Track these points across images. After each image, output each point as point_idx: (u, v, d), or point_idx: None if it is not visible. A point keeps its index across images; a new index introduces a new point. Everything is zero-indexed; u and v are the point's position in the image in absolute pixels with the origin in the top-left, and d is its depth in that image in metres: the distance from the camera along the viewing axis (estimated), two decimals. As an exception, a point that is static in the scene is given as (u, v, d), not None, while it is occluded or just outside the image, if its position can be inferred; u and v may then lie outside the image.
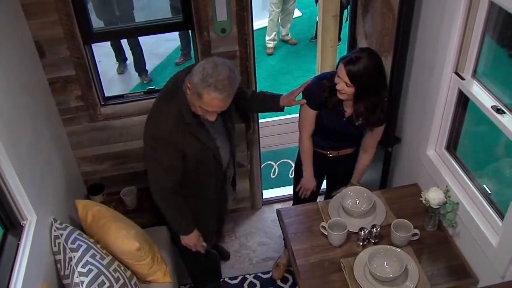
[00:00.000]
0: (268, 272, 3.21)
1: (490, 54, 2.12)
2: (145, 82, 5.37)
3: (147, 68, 5.51)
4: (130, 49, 5.27)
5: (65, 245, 2.20)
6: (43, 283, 2.07)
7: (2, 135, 1.94)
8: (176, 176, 2.25)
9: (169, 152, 2.17)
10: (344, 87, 2.25)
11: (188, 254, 2.65)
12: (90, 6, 4.61)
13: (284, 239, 2.64)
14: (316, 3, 5.72)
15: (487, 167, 2.32)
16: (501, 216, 2.01)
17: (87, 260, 2.16)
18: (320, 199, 2.97)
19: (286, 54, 6.14)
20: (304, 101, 2.46)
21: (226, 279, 3.17)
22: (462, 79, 2.16)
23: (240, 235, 3.48)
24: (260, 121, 3.25)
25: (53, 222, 2.27)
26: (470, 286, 2.18)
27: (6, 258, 1.95)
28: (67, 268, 2.16)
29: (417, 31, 2.40)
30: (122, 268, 2.35)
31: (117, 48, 5.50)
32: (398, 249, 2.19)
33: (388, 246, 2.21)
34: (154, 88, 3.02)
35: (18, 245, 2.02)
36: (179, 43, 5.80)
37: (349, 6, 3.64)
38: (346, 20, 4.39)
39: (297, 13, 6.67)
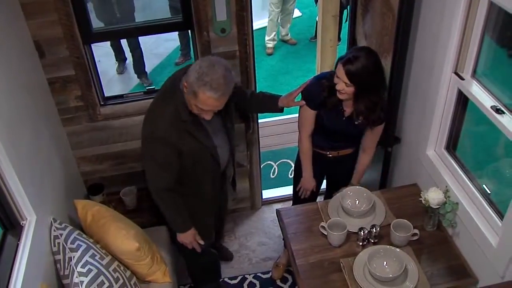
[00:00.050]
0: (267, 272, 3.21)
1: (490, 54, 2.12)
2: (145, 85, 5.35)
3: (146, 70, 5.49)
4: (130, 51, 5.25)
5: (65, 245, 2.20)
6: (42, 283, 2.07)
7: (1, 135, 1.94)
8: (172, 174, 2.25)
9: (165, 150, 2.17)
10: (343, 87, 2.25)
11: (188, 253, 2.65)
12: (90, 6, 4.61)
13: (283, 239, 2.65)
14: (315, 3, 5.73)
15: (486, 167, 2.32)
16: (501, 216, 2.01)
17: (86, 260, 2.16)
18: (320, 199, 2.97)
19: (286, 54, 6.14)
20: (303, 102, 2.46)
21: (226, 279, 3.17)
22: (462, 79, 2.16)
23: (240, 235, 3.48)
24: (259, 121, 3.25)
25: (52, 222, 2.27)
26: (470, 286, 2.18)
27: (6, 258, 1.96)
28: (67, 268, 2.16)
29: (416, 31, 2.40)
30: (121, 268, 2.35)
31: (117, 48, 5.49)
32: (398, 249, 2.19)
33: (388, 246, 2.21)
34: (154, 88, 3.02)
35: (17, 245, 2.02)
36: (179, 43, 5.80)
37: (348, 6, 3.64)
38: (346, 20, 4.39)
39: (296, 13, 6.67)
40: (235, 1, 2.62)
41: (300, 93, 2.48)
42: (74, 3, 2.51)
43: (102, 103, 2.92)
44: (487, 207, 2.09)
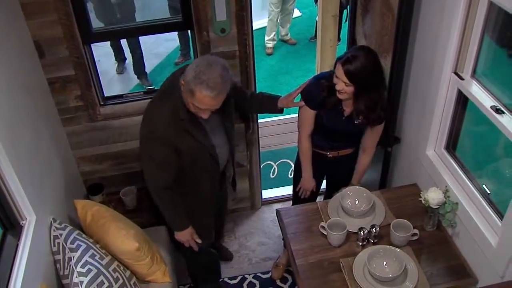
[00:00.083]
0: (267, 272, 3.21)
1: (490, 54, 2.12)
2: (145, 85, 5.34)
3: (146, 70, 5.49)
4: (130, 51, 5.25)
5: (65, 245, 2.20)
6: (42, 283, 2.07)
7: (1, 135, 1.94)
8: (170, 172, 2.26)
9: (163, 149, 2.18)
10: (343, 87, 2.25)
11: (188, 252, 2.66)
12: (90, 6, 4.60)
13: (283, 239, 2.65)
14: (315, 3, 5.73)
15: (486, 167, 2.33)
16: (501, 216, 2.01)
17: (86, 260, 2.16)
18: (319, 199, 2.97)
19: (286, 54, 6.14)
20: (302, 103, 2.47)
21: (226, 279, 3.17)
22: (462, 79, 2.16)
23: (240, 235, 3.48)
24: (259, 121, 3.25)
25: (52, 222, 2.27)
26: (470, 286, 2.18)
27: (6, 258, 1.95)
28: (67, 268, 2.16)
29: (416, 31, 2.40)
30: (121, 268, 2.35)
31: (117, 48, 5.49)
32: (398, 249, 2.20)
33: (388, 246, 2.21)
34: (153, 88, 3.02)
35: (17, 245, 2.02)
36: (179, 43, 5.80)
37: (348, 6, 3.64)
38: (346, 20, 4.38)
39: (296, 13, 6.66)
40: (234, 1, 2.62)
41: (299, 94, 2.49)
42: (74, 3, 2.51)
43: (102, 103, 2.92)
44: (486, 207, 2.09)
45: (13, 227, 2.09)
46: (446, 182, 2.30)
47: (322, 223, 2.36)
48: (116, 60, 5.62)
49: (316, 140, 2.60)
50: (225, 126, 2.37)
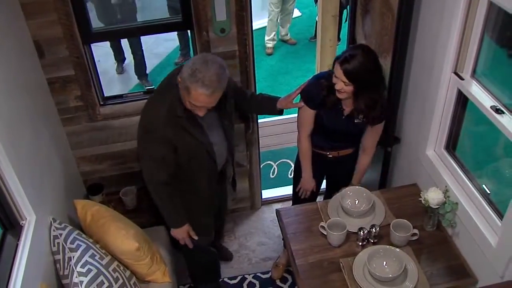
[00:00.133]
0: (267, 272, 3.21)
1: (490, 54, 2.12)
2: (145, 86, 5.34)
3: (147, 72, 5.49)
4: (132, 52, 5.25)
5: (64, 245, 2.20)
6: (42, 283, 2.07)
7: (1, 135, 1.94)
8: (168, 169, 2.27)
9: (160, 146, 2.19)
10: (342, 86, 2.25)
11: (188, 251, 2.66)
12: (90, 6, 4.60)
13: (283, 239, 2.65)
14: (315, 3, 5.73)
15: (486, 167, 2.33)
16: (500, 216, 2.01)
17: (86, 260, 2.16)
18: (319, 199, 2.97)
19: (286, 54, 6.14)
20: (301, 104, 2.47)
21: (226, 279, 3.17)
22: (461, 79, 2.16)
23: (240, 235, 3.48)
24: (259, 121, 3.25)
25: (52, 222, 2.27)
26: (469, 286, 2.18)
27: (5, 258, 1.95)
28: (66, 268, 2.16)
29: (416, 31, 2.40)
30: (121, 268, 2.35)
31: (116, 49, 5.48)
32: (398, 249, 2.20)
33: (388, 246, 2.21)
34: (153, 88, 3.02)
35: (17, 245, 2.02)
36: (178, 43, 5.80)
37: (348, 6, 3.64)
38: (346, 20, 4.38)
39: (296, 13, 6.66)
40: (234, 1, 2.62)
41: (298, 95, 2.49)
42: (74, 3, 2.51)
43: (102, 103, 2.92)
44: (486, 207, 2.09)
45: (13, 227, 2.09)
46: (446, 182, 2.30)
47: (322, 223, 2.36)
48: (115, 60, 5.62)
49: (316, 140, 2.60)
50: (223, 124, 2.37)
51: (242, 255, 3.34)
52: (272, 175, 4.10)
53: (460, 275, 2.18)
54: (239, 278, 3.19)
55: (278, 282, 3.16)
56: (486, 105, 1.99)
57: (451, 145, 2.40)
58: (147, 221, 2.92)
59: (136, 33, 3.63)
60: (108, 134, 3.00)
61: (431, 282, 2.12)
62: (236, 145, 3.03)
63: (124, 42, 5.37)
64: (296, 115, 2.59)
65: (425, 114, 2.42)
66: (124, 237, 2.38)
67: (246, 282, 3.17)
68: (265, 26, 6.09)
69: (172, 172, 2.29)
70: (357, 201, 2.46)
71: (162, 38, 6.02)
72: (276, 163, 4.17)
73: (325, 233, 2.32)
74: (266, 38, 6.09)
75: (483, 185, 2.18)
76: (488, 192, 2.15)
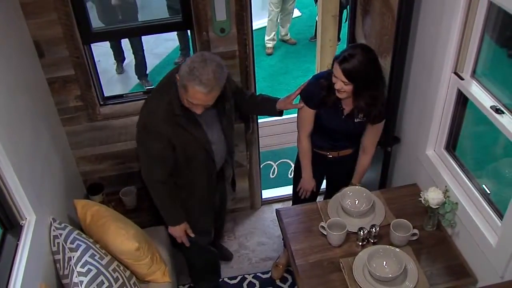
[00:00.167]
0: (267, 272, 3.21)
1: (489, 54, 2.12)
2: (145, 86, 5.34)
3: (147, 72, 5.50)
4: (133, 52, 5.25)
5: (64, 245, 2.20)
6: (42, 283, 2.07)
7: (1, 135, 1.94)
8: (165, 167, 2.28)
9: (158, 144, 2.20)
10: (342, 86, 2.25)
11: (188, 250, 2.67)
12: (90, 5, 4.60)
13: (283, 239, 2.64)
14: (315, 3, 5.73)
15: (486, 167, 2.33)
16: (500, 216, 2.01)
17: (86, 260, 2.16)
18: (319, 199, 2.97)
19: (286, 54, 6.14)
20: (301, 105, 2.47)
21: (225, 279, 3.17)
22: (461, 79, 2.16)
23: (240, 235, 3.48)
24: (259, 121, 3.25)
25: (52, 222, 2.27)
26: (469, 286, 2.18)
27: (5, 258, 1.96)
28: (66, 268, 2.16)
29: (416, 31, 2.40)
30: (121, 268, 2.35)
31: (116, 49, 5.48)
32: (397, 249, 2.20)
33: (387, 246, 2.21)
34: (153, 88, 3.01)
35: (17, 245, 2.02)
36: (178, 43, 5.80)
37: (348, 6, 3.64)
38: (346, 20, 4.39)
39: (296, 13, 6.66)
40: (234, 1, 2.62)
41: (298, 95, 2.49)
42: (74, 3, 2.51)
43: (102, 103, 2.92)
44: (486, 207, 2.09)
45: (13, 227, 2.09)
46: (446, 182, 2.30)
47: (322, 223, 2.36)
48: (115, 60, 5.62)
49: (316, 140, 2.60)
50: (222, 124, 2.37)
51: (242, 255, 3.34)
52: (272, 175, 4.10)
53: (460, 275, 2.18)
54: (239, 278, 3.19)
55: (278, 282, 3.16)
56: (486, 105, 2.00)
57: (451, 145, 2.40)
58: (147, 221, 2.92)
59: (136, 33, 3.63)
60: (108, 134, 3.00)
61: (431, 282, 2.12)
62: (236, 145, 3.03)
63: (125, 42, 5.37)
64: (296, 115, 2.59)
65: (425, 114, 2.42)
66: (124, 237, 2.38)
67: (246, 282, 3.17)
68: (265, 26, 6.09)
69: (170, 170, 2.30)
70: (357, 201, 2.46)
71: (162, 38, 6.02)
72: (276, 163, 4.17)
73: (325, 233, 2.32)
74: (266, 38, 6.09)
75: (483, 185, 2.18)
76: (488, 192, 2.15)
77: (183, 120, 2.18)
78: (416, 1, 2.26)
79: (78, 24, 2.59)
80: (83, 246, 2.21)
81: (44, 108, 2.65)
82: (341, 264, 2.21)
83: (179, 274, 3.01)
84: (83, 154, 3.05)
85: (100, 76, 2.92)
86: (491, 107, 1.97)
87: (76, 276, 2.08)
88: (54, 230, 2.25)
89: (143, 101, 2.87)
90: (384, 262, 2.16)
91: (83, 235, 2.32)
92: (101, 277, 2.16)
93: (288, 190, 3.43)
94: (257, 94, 2.75)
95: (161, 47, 6.13)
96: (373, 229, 2.28)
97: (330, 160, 2.66)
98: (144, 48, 5.25)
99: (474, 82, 2.13)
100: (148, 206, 2.99)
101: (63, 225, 2.29)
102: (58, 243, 2.22)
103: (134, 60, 5.34)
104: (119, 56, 5.56)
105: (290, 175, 3.87)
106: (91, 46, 2.78)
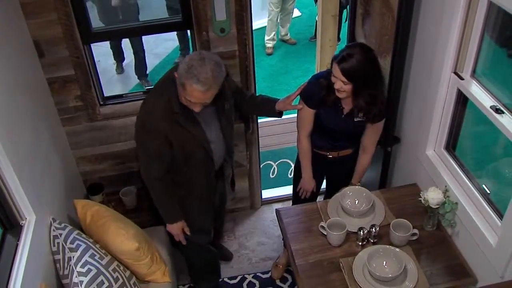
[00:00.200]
0: (267, 272, 3.21)
1: (489, 54, 2.12)
2: (145, 86, 5.34)
3: (147, 72, 5.49)
4: (133, 53, 5.25)
5: (64, 245, 2.20)
6: (42, 283, 2.07)
7: (1, 135, 1.94)
8: (163, 164, 2.29)
9: (156, 141, 2.21)
10: (341, 86, 2.25)
11: (188, 249, 2.67)
12: (90, 5, 4.59)
13: (283, 239, 2.65)
14: (315, 3, 5.73)
15: (486, 167, 2.33)
16: (500, 216, 2.01)
17: (86, 260, 2.16)
18: (319, 198, 2.97)
19: (285, 54, 6.14)
20: (300, 106, 2.48)
21: (225, 279, 3.17)
22: (461, 79, 2.16)
23: (239, 235, 3.48)
24: (259, 121, 3.25)
25: (52, 222, 2.27)
26: (469, 286, 2.18)
27: (5, 258, 1.96)
28: (66, 268, 2.16)
29: (416, 31, 2.40)
30: (121, 268, 2.35)
31: (116, 49, 5.48)
32: (397, 249, 2.20)
33: (387, 246, 2.21)
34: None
35: (17, 245, 2.02)
36: (178, 43, 5.79)
37: (348, 6, 3.64)
38: (346, 20, 4.39)
39: (296, 13, 6.66)
40: (234, 1, 2.62)
41: (297, 96, 2.49)
42: (74, 3, 2.51)
43: (102, 103, 2.92)
44: (486, 207, 2.09)
45: (13, 227, 2.09)
46: (445, 182, 2.30)
47: (322, 223, 2.36)
48: (115, 60, 5.62)
49: (316, 140, 2.60)
50: (221, 123, 2.37)
51: (242, 255, 3.34)
52: (272, 175, 4.10)
53: (460, 275, 2.17)
54: (239, 278, 3.19)
55: (278, 282, 3.16)
56: (486, 105, 1.99)
57: (451, 145, 2.40)
58: (147, 221, 2.92)
59: (135, 33, 3.63)
60: (108, 134, 3.00)
61: (431, 282, 2.12)
62: (236, 145, 3.03)
63: (125, 42, 5.37)
64: (295, 115, 2.59)
65: (425, 114, 2.42)
66: (124, 237, 2.38)
67: (246, 282, 3.17)
68: (265, 26, 6.09)
69: (167, 167, 2.31)
70: (357, 201, 2.46)
71: (162, 38, 6.02)
72: (276, 163, 4.17)
73: (325, 233, 2.32)
74: (266, 38, 6.09)
75: (483, 185, 2.18)
76: (488, 192, 2.15)
77: (182, 118, 2.19)
78: (416, 1, 2.26)
79: (78, 24, 2.59)
80: (83, 246, 2.21)
81: (44, 108, 2.65)
82: (341, 264, 2.21)
83: (179, 274, 3.01)
84: (83, 154, 3.05)
85: (100, 76, 2.92)
86: (491, 107, 1.97)
87: (76, 276, 2.08)
88: (54, 230, 2.25)
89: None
90: (384, 262, 2.16)
91: (83, 235, 2.32)
92: (101, 277, 2.16)
93: (288, 190, 3.43)
94: (257, 94, 2.75)
95: (161, 47, 6.13)
96: (373, 229, 2.28)
97: (330, 160, 2.66)
98: (144, 48, 5.25)
99: (474, 82, 2.13)
100: (148, 206, 2.99)
101: (63, 225, 2.29)
102: (58, 243, 2.22)
103: (134, 60, 5.34)
104: (118, 56, 5.55)
105: (290, 175, 3.87)
106: (91, 46, 2.78)
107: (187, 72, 2.02)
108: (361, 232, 2.28)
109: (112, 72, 5.65)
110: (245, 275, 3.20)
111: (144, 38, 5.22)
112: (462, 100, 2.25)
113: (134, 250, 2.38)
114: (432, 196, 2.21)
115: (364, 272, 2.15)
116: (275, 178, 4.05)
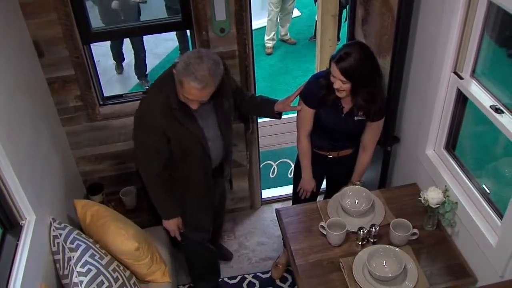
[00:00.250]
0: (267, 272, 3.21)
1: (489, 54, 2.12)
2: (144, 86, 5.35)
3: (147, 72, 5.49)
4: (134, 53, 5.26)
5: (64, 245, 2.20)
6: (42, 283, 2.07)
7: (1, 135, 1.94)
8: (160, 160, 2.30)
9: (153, 136, 2.22)
10: (341, 85, 2.26)
11: (187, 248, 2.66)
12: (90, 5, 4.59)
13: (283, 238, 2.64)
14: (315, 3, 5.73)
15: (486, 166, 2.33)
16: (500, 215, 2.01)
17: (86, 260, 2.16)
18: (319, 198, 2.97)
19: (285, 54, 6.14)
20: (299, 107, 2.48)
21: (225, 279, 3.17)
22: (461, 78, 2.16)
23: (239, 235, 3.48)
24: (259, 121, 3.25)
25: (52, 222, 2.27)
26: (469, 286, 2.18)
27: (5, 258, 1.96)
28: (66, 268, 2.16)
29: (416, 31, 2.40)
30: (121, 268, 2.35)
31: (116, 50, 5.47)
32: (397, 249, 2.20)
33: (387, 246, 2.21)
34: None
35: (17, 245, 2.02)
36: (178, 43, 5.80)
37: (348, 6, 3.64)
38: (345, 20, 4.39)
39: (296, 12, 6.66)
40: (234, 1, 2.62)
41: (297, 96, 2.49)
42: (74, 3, 2.51)
43: (102, 103, 2.92)
44: (486, 206, 2.09)
45: (13, 227, 2.09)
46: (445, 181, 2.30)
47: (322, 223, 2.36)
48: (114, 60, 5.62)
49: (316, 140, 2.60)
50: (219, 121, 2.37)
51: (242, 254, 3.34)
52: (272, 175, 4.10)
53: (460, 275, 2.17)
54: (239, 278, 3.19)
55: (278, 282, 3.16)
56: (486, 105, 1.99)
57: (451, 145, 2.40)
58: (147, 221, 2.92)
59: (135, 33, 3.63)
60: (107, 134, 3.00)
61: (431, 282, 2.12)
62: (235, 144, 3.03)
63: (126, 43, 5.36)
64: (295, 115, 2.59)
65: (424, 113, 2.42)
66: (124, 237, 2.38)
67: (246, 282, 3.17)
68: (265, 26, 6.09)
69: (165, 163, 2.31)
70: (356, 201, 2.46)
71: (161, 38, 6.01)
72: (276, 163, 4.17)
73: (325, 233, 2.32)
74: (266, 38, 6.09)
75: (483, 185, 2.18)
76: (488, 191, 2.15)
77: (179, 114, 2.20)
78: (415, 0, 2.26)
79: (78, 24, 2.59)
80: (83, 246, 2.21)
81: (44, 108, 2.65)
82: (341, 264, 2.21)
83: (179, 274, 3.01)
84: (83, 154, 3.05)
85: (99, 76, 2.92)
86: (490, 106, 1.97)
87: (76, 276, 2.08)
88: (54, 230, 2.25)
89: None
90: (384, 262, 2.16)
91: (83, 235, 2.32)
92: (101, 277, 2.16)
93: (288, 190, 3.43)
94: (257, 95, 2.75)
95: (160, 47, 6.13)
96: (373, 229, 2.28)
97: (330, 160, 2.66)
98: (145, 48, 5.25)
99: (474, 81, 2.13)
100: (148, 206, 2.99)
101: (63, 225, 2.29)
102: (58, 243, 2.22)
103: (133, 60, 5.34)
104: (118, 57, 5.55)
105: (290, 175, 3.87)
106: (91, 46, 2.78)
107: (184, 70, 2.03)
108: (361, 232, 2.28)
109: (112, 72, 5.65)
110: (245, 275, 3.20)
111: (144, 38, 5.22)
112: (462, 100, 2.25)
113: (134, 250, 2.38)
114: (432, 195, 2.21)
115: (364, 272, 2.15)
116: (275, 178, 4.05)
